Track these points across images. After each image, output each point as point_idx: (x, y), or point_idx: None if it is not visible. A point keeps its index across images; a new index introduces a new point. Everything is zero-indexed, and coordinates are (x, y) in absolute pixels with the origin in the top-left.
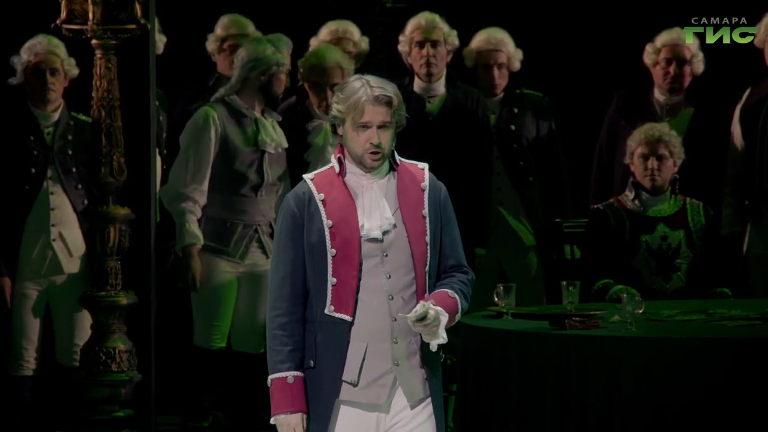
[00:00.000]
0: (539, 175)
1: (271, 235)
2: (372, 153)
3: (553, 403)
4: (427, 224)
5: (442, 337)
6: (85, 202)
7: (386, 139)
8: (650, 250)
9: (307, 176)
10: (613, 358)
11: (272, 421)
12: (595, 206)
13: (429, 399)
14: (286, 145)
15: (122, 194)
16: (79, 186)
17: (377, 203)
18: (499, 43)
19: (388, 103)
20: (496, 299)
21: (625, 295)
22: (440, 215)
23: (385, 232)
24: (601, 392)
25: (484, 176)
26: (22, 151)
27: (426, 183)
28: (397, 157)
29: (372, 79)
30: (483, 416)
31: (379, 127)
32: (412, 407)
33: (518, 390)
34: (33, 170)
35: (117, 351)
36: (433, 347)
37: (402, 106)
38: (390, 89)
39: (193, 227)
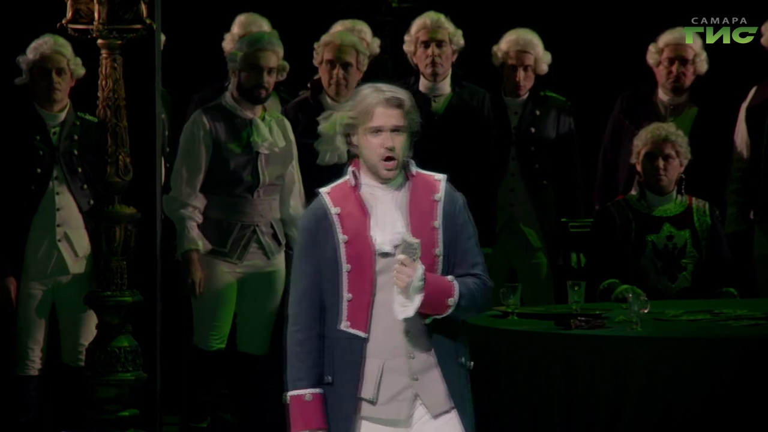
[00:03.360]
0: (554, 178)
1: (273, 236)
2: (386, 160)
3: (560, 402)
4: (439, 236)
5: (413, 301)
6: (91, 202)
7: (400, 143)
8: (656, 250)
9: (322, 190)
10: (619, 358)
11: None
12: (601, 206)
13: (454, 411)
14: (282, 144)
15: (128, 194)
16: (85, 186)
17: (390, 216)
18: (528, 44)
19: (400, 105)
20: (501, 299)
21: (630, 295)
22: (454, 226)
23: (396, 246)
24: (607, 392)
25: (490, 175)
26: (28, 151)
27: (440, 194)
28: (413, 168)
29: (382, 85)
30: (490, 416)
31: (392, 131)
32: (435, 419)
33: (525, 389)
34: (39, 170)
35: (122, 351)
36: (397, 312)
37: (415, 111)
38: (401, 93)
39: (192, 233)
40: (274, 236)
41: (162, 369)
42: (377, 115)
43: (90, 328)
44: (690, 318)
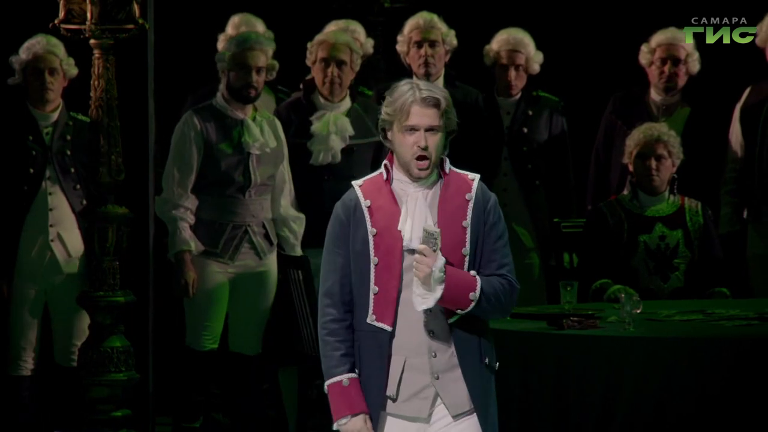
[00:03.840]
0: (546, 179)
1: (265, 236)
2: (419, 159)
3: (553, 403)
4: (467, 235)
5: (433, 292)
6: (84, 202)
7: (434, 143)
8: (648, 250)
9: (355, 183)
10: (612, 358)
11: (335, 427)
12: (594, 206)
13: (474, 415)
14: (273, 144)
15: (120, 194)
16: (78, 186)
17: (420, 213)
18: (519, 44)
19: (436, 105)
20: None
21: (623, 295)
22: (483, 226)
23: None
24: (600, 392)
25: (485, 176)
26: (21, 152)
27: (472, 194)
28: (447, 166)
29: (421, 83)
30: None
31: (427, 130)
32: (455, 418)
33: (517, 390)
34: (31, 170)
35: (115, 351)
36: (416, 304)
37: (452, 111)
38: (439, 92)
39: (184, 234)
40: (266, 236)
41: (154, 369)
42: (413, 113)
43: (82, 328)
44: (683, 318)
